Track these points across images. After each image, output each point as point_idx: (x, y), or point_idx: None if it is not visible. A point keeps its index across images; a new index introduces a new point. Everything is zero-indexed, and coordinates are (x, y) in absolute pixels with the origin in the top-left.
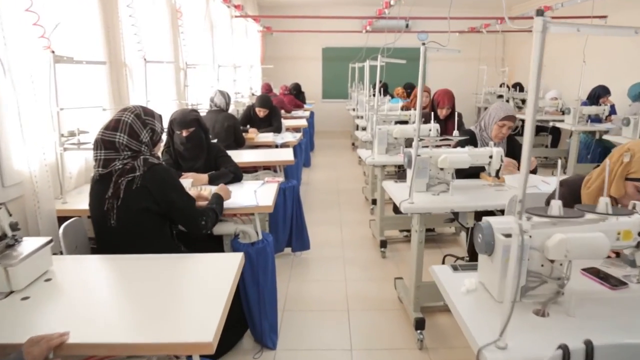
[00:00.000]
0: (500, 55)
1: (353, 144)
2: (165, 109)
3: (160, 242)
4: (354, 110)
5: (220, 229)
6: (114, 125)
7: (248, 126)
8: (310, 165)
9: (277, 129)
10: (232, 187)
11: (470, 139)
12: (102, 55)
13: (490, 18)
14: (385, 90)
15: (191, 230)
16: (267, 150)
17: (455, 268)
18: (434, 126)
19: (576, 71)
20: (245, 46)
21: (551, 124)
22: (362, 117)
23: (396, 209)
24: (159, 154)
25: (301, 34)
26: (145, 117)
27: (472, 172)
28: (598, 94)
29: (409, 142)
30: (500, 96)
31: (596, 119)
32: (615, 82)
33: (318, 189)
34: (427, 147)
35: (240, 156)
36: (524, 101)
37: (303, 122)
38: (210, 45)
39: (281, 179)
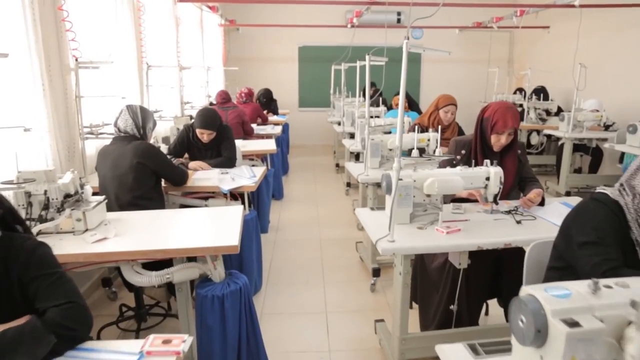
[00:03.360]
0: (505, 57)
1: (337, 165)
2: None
3: None
4: (338, 124)
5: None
6: None
7: (186, 156)
8: (283, 197)
9: (229, 161)
10: None
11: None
12: None
13: (508, 5)
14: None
15: None
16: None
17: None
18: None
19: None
20: (197, 42)
21: (595, 143)
22: (351, 136)
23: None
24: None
25: (273, 29)
26: None
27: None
28: None
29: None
30: (520, 105)
31: None
32: None
33: (291, 244)
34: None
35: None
36: (548, 112)
37: (270, 146)
38: (132, 36)
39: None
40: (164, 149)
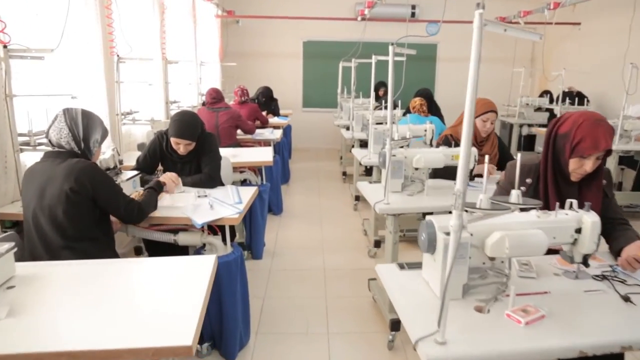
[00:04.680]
0: (527, 55)
1: (344, 174)
2: None
3: None
4: (347, 129)
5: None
6: None
7: (160, 170)
8: (282, 212)
9: (209, 180)
10: None
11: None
12: None
13: None
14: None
15: None
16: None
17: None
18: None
19: None
20: (189, 34)
21: None
22: (363, 144)
23: None
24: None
25: (275, 22)
26: None
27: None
28: None
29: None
30: (549, 110)
31: None
32: None
33: (289, 276)
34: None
35: None
36: None
37: (265, 157)
38: (95, 21)
39: None
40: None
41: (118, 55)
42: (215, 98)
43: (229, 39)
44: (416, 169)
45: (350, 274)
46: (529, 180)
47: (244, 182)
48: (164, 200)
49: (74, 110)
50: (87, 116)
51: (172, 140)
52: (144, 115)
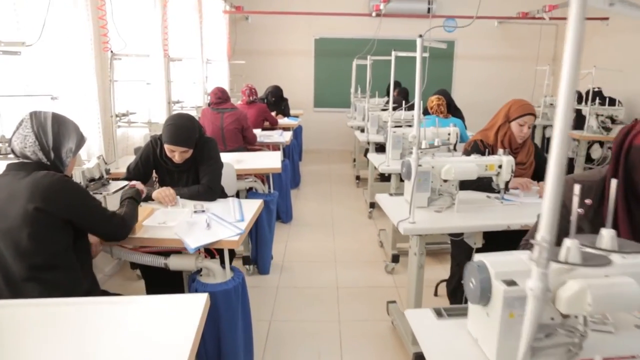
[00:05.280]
0: (548, 53)
1: (358, 178)
2: None
3: None
4: (362, 131)
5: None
6: None
7: (156, 178)
8: (292, 220)
9: (208, 192)
10: None
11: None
12: None
13: None
14: (406, 99)
15: None
16: None
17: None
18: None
19: None
20: (195, 30)
21: None
22: (379, 147)
23: None
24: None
25: (286, 18)
26: None
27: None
28: None
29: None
30: (576, 111)
31: None
32: None
33: (299, 294)
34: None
35: None
36: (613, 120)
37: (273, 163)
38: (85, 14)
39: None
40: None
41: (112, 52)
42: (220, 98)
43: (237, 36)
44: (445, 181)
45: (366, 293)
46: (588, 201)
47: (249, 191)
48: (154, 216)
49: (42, 115)
50: (59, 121)
51: (166, 147)
52: (141, 117)
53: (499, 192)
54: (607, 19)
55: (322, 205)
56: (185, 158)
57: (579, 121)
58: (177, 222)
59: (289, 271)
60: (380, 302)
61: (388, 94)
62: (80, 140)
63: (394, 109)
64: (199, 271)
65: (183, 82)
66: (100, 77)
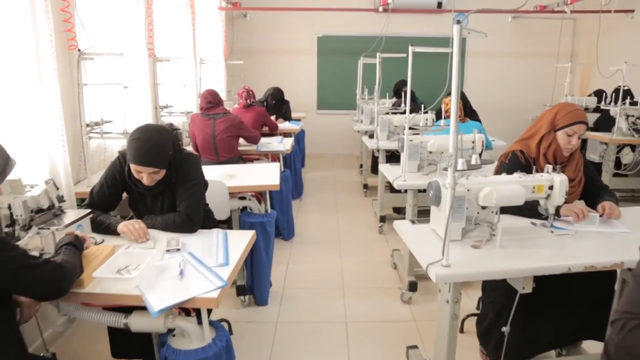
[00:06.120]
0: (565, 50)
1: (365, 187)
2: None
3: None
4: (370, 136)
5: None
6: None
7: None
8: (293, 237)
9: (187, 222)
10: None
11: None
12: None
13: None
14: (413, 100)
15: None
16: None
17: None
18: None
19: None
20: (186, 28)
21: None
22: (389, 157)
23: None
24: None
25: (287, 15)
26: None
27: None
28: None
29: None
30: (602, 111)
31: None
32: None
33: (300, 332)
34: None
35: None
36: None
37: (271, 179)
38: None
39: None
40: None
41: (80, 50)
42: (211, 102)
43: (235, 34)
44: (483, 207)
45: (380, 331)
46: None
47: (244, 210)
48: (114, 260)
49: None
50: None
51: (132, 167)
52: (118, 127)
53: (546, 217)
54: (632, 11)
55: (327, 217)
56: (157, 180)
57: (606, 123)
58: (141, 268)
59: (291, 301)
60: (396, 341)
61: (395, 95)
62: (5, 165)
63: (410, 111)
64: (171, 330)
65: (173, 84)
66: (65, 80)
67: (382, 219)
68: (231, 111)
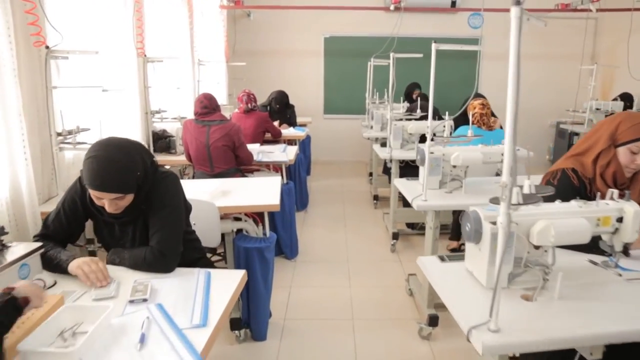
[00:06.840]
0: (586, 51)
1: (376, 198)
2: None
3: None
4: (382, 145)
5: None
6: None
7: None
8: (297, 256)
9: (160, 259)
10: None
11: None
12: None
13: None
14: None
15: None
16: None
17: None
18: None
19: None
20: (183, 27)
21: None
22: (403, 169)
23: None
24: None
25: (292, 14)
26: None
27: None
28: None
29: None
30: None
31: None
32: None
33: None
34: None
35: None
36: None
37: (271, 198)
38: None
39: None
40: None
41: (48, 47)
42: (207, 107)
43: (237, 34)
44: (536, 247)
45: None
46: None
47: (239, 233)
48: (55, 319)
49: None
50: None
51: (90, 192)
52: (97, 135)
53: (609, 255)
54: None
55: (334, 233)
56: (123, 207)
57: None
58: (89, 333)
59: (293, 335)
60: None
61: (407, 99)
62: None
63: (423, 117)
64: None
65: (166, 87)
66: (29, 82)
67: (395, 235)
68: (231, 116)
